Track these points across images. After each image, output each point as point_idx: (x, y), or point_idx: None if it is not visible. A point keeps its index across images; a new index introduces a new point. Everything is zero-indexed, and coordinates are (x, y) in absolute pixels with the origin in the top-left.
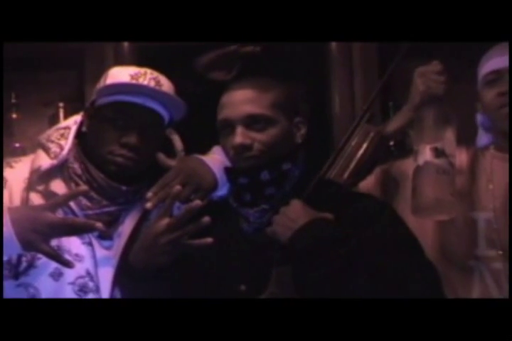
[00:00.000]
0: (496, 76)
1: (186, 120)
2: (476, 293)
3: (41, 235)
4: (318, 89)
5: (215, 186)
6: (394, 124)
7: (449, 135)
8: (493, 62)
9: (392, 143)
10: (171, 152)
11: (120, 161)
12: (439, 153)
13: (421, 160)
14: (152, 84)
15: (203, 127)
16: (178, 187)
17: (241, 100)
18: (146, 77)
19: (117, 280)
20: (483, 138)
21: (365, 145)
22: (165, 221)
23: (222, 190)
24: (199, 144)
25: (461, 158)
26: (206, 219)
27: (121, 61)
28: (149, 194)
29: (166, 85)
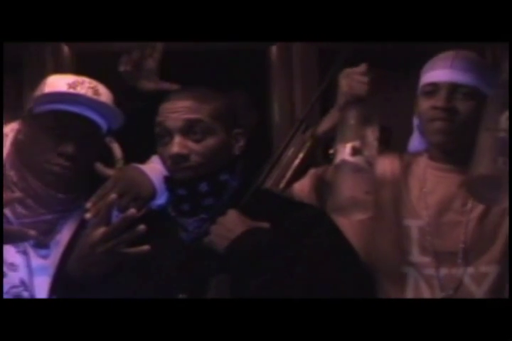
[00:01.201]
0: (433, 88)
1: (126, 128)
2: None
3: None
4: (257, 98)
5: (153, 195)
6: (323, 126)
7: (369, 134)
8: (434, 73)
9: (332, 151)
10: (109, 160)
11: (57, 170)
12: (356, 151)
13: (338, 159)
14: (90, 93)
15: (143, 135)
16: (113, 196)
17: (180, 109)
18: (84, 85)
19: (54, 290)
20: (416, 142)
21: (301, 155)
22: (101, 230)
23: (161, 199)
24: (138, 153)
25: (394, 164)
26: (141, 227)
27: (60, 68)
28: (88, 204)
29: (104, 94)
